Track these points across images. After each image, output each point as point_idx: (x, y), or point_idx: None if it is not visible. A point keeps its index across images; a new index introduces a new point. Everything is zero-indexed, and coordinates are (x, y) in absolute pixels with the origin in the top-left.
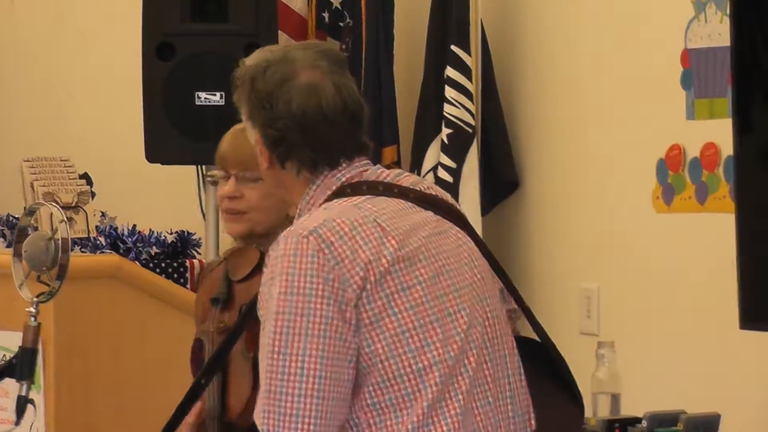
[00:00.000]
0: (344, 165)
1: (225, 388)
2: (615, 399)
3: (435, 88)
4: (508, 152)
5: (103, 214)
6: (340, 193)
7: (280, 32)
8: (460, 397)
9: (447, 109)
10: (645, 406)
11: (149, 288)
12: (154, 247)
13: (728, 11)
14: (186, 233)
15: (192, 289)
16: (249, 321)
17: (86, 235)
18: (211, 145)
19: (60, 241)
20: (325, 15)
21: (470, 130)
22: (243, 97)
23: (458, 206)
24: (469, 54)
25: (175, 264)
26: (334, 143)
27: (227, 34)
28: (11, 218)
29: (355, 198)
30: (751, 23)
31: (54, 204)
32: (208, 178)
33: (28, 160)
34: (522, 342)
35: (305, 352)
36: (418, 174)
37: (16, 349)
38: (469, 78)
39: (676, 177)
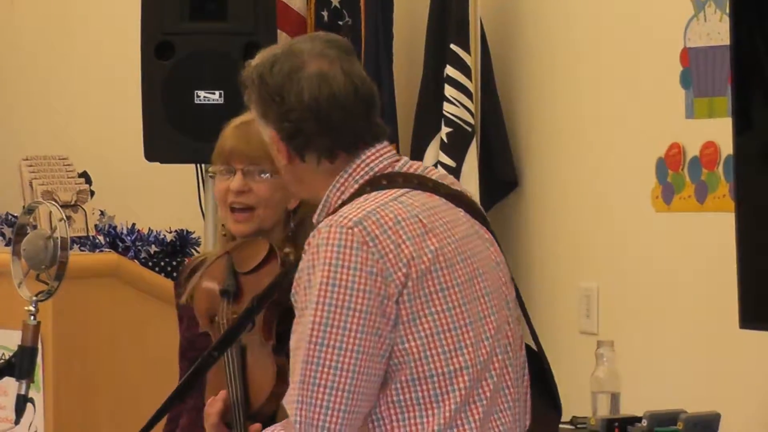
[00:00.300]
0: (369, 152)
1: (245, 379)
2: (614, 398)
3: (434, 86)
4: (508, 151)
5: (102, 213)
6: (375, 183)
7: (279, 31)
8: (484, 401)
9: (446, 107)
10: (645, 406)
11: (148, 287)
12: (153, 246)
13: (728, 10)
14: (185, 232)
15: None
16: (262, 307)
17: (85, 234)
18: (210, 144)
19: (59, 240)
20: (324, 14)
21: (469, 129)
22: (253, 96)
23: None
24: (469, 53)
25: (174, 263)
26: (350, 129)
27: (226, 33)
28: (10, 217)
29: (393, 191)
30: (751, 22)
31: (53, 203)
32: (209, 175)
33: (27, 159)
34: None
35: (342, 346)
36: None
37: (15, 348)
38: (469, 77)
39: (675, 176)
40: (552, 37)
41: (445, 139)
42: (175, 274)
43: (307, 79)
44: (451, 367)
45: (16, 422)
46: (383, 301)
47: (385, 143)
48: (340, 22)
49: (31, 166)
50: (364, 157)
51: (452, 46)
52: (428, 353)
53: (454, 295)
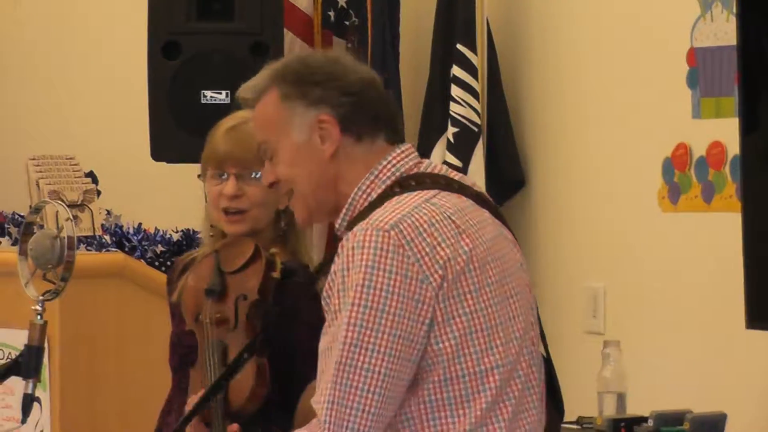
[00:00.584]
0: (394, 152)
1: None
2: (621, 398)
3: (441, 86)
4: (514, 151)
5: (109, 213)
6: (404, 185)
7: (285, 31)
8: (513, 401)
9: (453, 107)
10: (651, 405)
11: (154, 286)
12: (159, 246)
13: (734, 10)
14: (191, 231)
15: None
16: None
17: (92, 234)
18: None
19: (66, 239)
20: (331, 14)
21: (476, 129)
22: (291, 89)
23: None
24: (475, 53)
25: None
26: (394, 110)
27: (233, 32)
28: (17, 216)
29: (424, 192)
30: (758, 22)
31: (60, 202)
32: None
33: (33, 159)
34: None
35: (375, 348)
36: None
37: (21, 347)
38: (475, 77)
39: (682, 176)
40: (558, 37)
41: (452, 139)
42: None
43: (350, 63)
44: (482, 367)
45: (23, 421)
46: (417, 305)
47: (408, 144)
48: (347, 22)
49: (37, 165)
50: (390, 158)
51: (459, 46)
52: (460, 353)
53: (486, 296)
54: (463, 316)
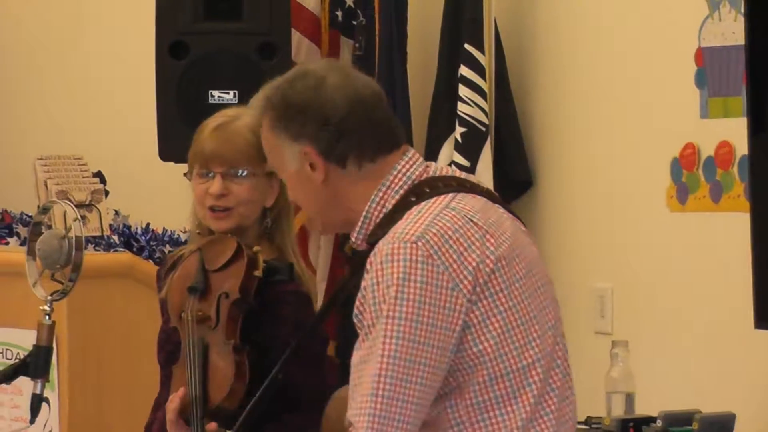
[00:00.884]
0: (403, 161)
1: (205, 376)
2: (629, 398)
3: (448, 86)
4: (522, 151)
5: (117, 213)
6: (419, 193)
7: (293, 31)
8: (557, 390)
9: (460, 107)
10: (659, 406)
11: None
12: (167, 246)
13: (742, 10)
14: None
15: None
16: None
17: (100, 234)
18: None
19: (73, 240)
20: (339, 13)
21: (484, 129)
22: (276, 122)
23: None
24: (483, 52)
25: None
26: (385, 124)
27: (241, 32)
28: (25, 216)
29: (441, 198)
30: (766, 22)
31: (67, 202)
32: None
33: (41, 159)
34: None
35: (412, 359)
36: None
37: (29, 348)
38: (483, 76)
39: (690, 176)
40: (566, 37)
41: (460, 139)
42: None
43: (332, 87)
44: (524, 362)
45: (32, 421)
46: (449, 314)
47: (413, 150)
48: (354, 22)
49: (45, 165)
50: (399, 167)
51: (466, 46)
52: (501, 351)
53: (517, 291)
54: (499, 315)
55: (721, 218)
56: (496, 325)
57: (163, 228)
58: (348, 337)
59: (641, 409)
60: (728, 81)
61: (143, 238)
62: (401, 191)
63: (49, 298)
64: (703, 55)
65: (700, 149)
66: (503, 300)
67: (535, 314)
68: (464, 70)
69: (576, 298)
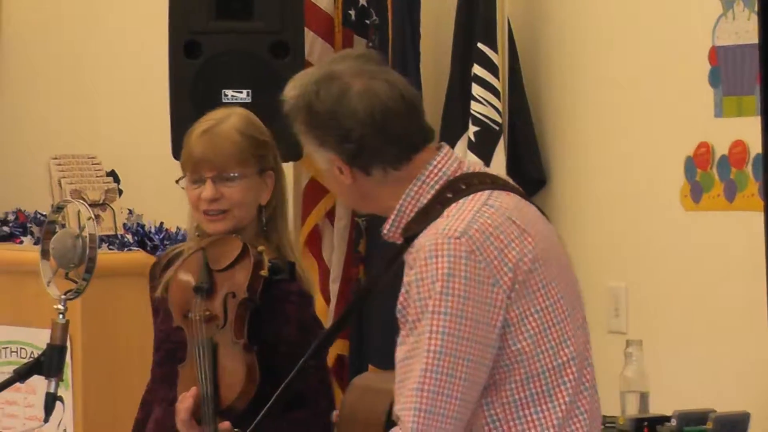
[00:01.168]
0: (438, 156)
1: (216, 376)
2: (643, 397)
3: (462, 85)
4: (535, 150)
5: (130, 212)
6: (454, 189)
7: (306, 30)
8: (589, 389)
9: (474, 106)
10: (674, 405)
11: None
12: None
13: (756, 8)
14: None
15: None
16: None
17: (113, 233)
18: None
19: (87, 239)
20: (351, 13)
21: (497, 128)
22: (302, 128)
23: None
24: (496, 51)
25: None
26: (408, 133)
27: (253, 32)
28: (39, 216)
29: (478, 195)
30: None
31: (81, 201)
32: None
33: (55, 158)
34: None
35: (458, 355)
36: None
37: (43, 346)
38: (496, 75)
39: (704, 175)
40: (579, 35)
41: (473, 138)
42: None
43: (357, 96)
44: (559, 360)
45: (46, 420)
46: (490, 310)
47: (447, 146)
48: (367, 21)
49: (59, 165)
50: (435, 162)
51: (479, 45)
52: (538, 350)
53: (553, 291)
54: (536, 314)
55: (735, 217)
56: (534, 324)
57: (177, 227)
58: (361, 336)
59: (655, 409)
60: (742, 80)
61: (157, 237)
62: (437, 186)
63: (63, 297)
64: (717, 54)
65: (714, 148)
66: (540, 299)
67: (570, 314)
68: (477, 69)
69: (590, 297)
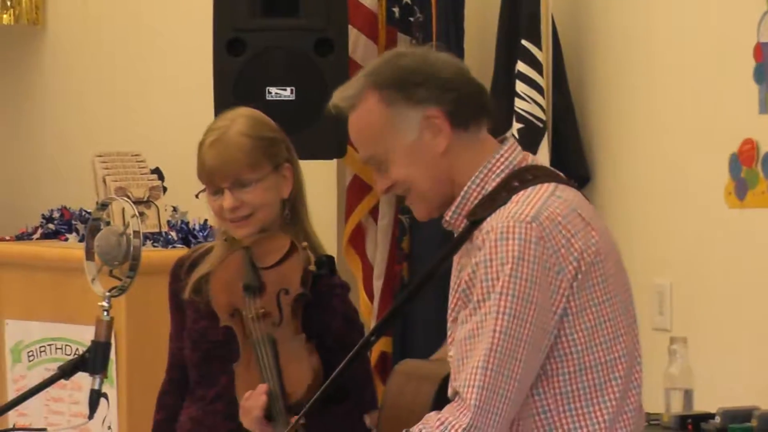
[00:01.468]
0: (506, 146)
1: (280, 372)
2: (688, 395)
3: (506, 82)
4: (579, 147)
5: (175, 209)
6: (521, 179)
7: (350, 27)
8: (637, 387)
9: (518, 103)
10: (718, 402)
11: None
12: None
13: None
14: None
15: None
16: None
17: (158, 230)
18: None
19: (132, 236)
20: (396, 10)
21: (541, 125)
22: (392, 93)
23: None
24: (540, 48)
25: None
26: (485, 92)
27: (298, 29)
28: (84, 213)
29: (545, 185)
30: None
31: (126, 199)
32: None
33: (100, 156)
34: None
35: (522, 337)
36: None
37: (88, 343)
38: (540, 72)
39: (749, 172)
40: (624, 32)
41: (517, 135)
42: None
43: (438, 57)
44: (611, 356)
45: (90, 417)
46: (553, 296)
47: (513, 138)
48: (411, 19)
49: (104, 162)
50: (502, 152)
51: (523, 42)
52: (592, 343)
53: (611, 286)
54: (594, 308)
55: None
56: (591, 316)
57: None
58: (405, 334)
59: (700, 406)
60: None
61: (201, 234)
62: (502, 174)
63: (108, 294)
64: (762, 51)
65: (759, 145)
66: (599, 293)
67: (624, 311)
68: (521, 66)
69: (635, 295)
